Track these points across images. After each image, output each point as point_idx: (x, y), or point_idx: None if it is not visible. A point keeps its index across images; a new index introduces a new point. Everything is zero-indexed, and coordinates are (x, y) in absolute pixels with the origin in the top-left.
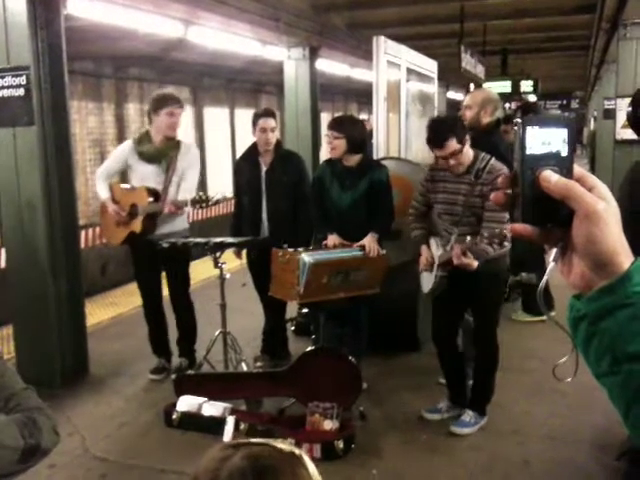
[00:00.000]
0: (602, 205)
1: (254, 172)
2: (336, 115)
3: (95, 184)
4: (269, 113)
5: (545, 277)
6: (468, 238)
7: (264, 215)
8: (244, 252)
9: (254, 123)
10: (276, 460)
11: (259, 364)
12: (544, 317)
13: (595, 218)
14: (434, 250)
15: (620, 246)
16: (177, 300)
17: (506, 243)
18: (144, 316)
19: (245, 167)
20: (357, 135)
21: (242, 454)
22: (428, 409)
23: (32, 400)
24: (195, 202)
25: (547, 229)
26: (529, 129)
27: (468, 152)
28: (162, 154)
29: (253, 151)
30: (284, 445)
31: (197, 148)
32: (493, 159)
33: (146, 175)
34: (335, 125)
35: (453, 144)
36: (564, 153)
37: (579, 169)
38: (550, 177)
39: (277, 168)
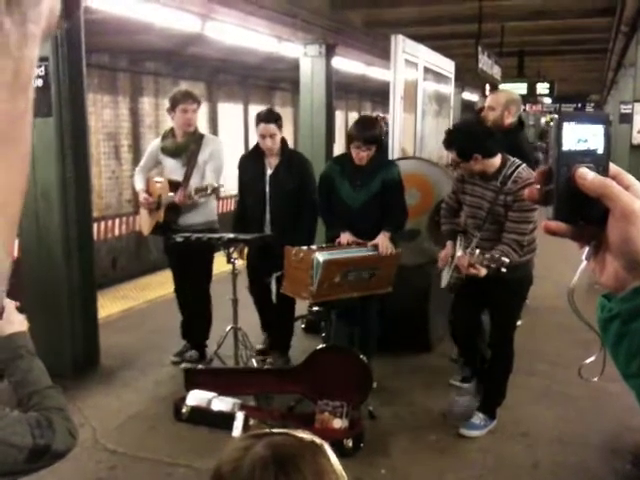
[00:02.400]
0: (639, 204)
1: (258, 172)
2: (360, 121)
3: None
4: (269, 118)
5: (577, 276)
6: (477, 252)
7: (267, 217)
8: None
9: (256, 125)
10: (297, 449)
11: (269, 360)
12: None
13: (632, 218)
14: (457, 248)
15: None
16: (197, 293)
17: (533, 248)
18: (177, 301)
19: (250, 166)
20: (381, 137)
21: (264, 443)
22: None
23: (53, 400)
24: (197, 191)
25: (580, 227)
26: (566, 125)
27: (494, 160)
28: (181, 148)
29: (259, 150)
30: (305, 435)
31: (219, 142)
32: (521, 167)
33: (171, 169)
34: (367, 139)
35: (479, 159)
36: (600, 150)
37: (615, 167)
38: (586, 174)
39: (282, 172)
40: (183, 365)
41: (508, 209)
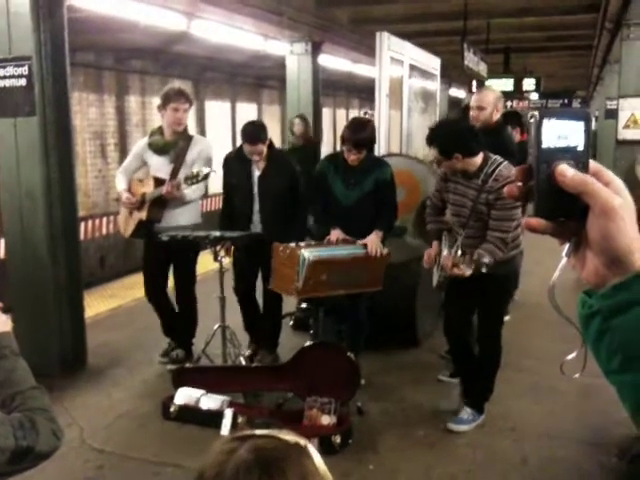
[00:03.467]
0: (619, 201)
1: (246, 172)
2: (352, 124)
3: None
4: (254, 138)
5: (557, 272)
6: (459, 253)
7: (256, 217)
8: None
9: (242, 140)
10: (282, 452)
11: (258, 357)
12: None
13: (612, 214)
14: (443, 247)
15: (636, 243)
16: (181, 294)
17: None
18: (151, 303)
19: (236, 166)
20: (372, 139)
21: (248, 447)
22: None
23: (37, 400)
24: (187, 179)
25: (561, 223)
26: (545, 122)
27: (475, 159)
28: (169, 145)
29: (244, 151)
30: (289, 436)
31: (207, 142)
32: (502, 165)
33: (157, 166)
34: (357, 142)
35: (459, 158)
36: (581, 147)
37: (595, 164)
38: (566, 171)
39: (271, 174)
40: (169, 366)
41: (491, 207)
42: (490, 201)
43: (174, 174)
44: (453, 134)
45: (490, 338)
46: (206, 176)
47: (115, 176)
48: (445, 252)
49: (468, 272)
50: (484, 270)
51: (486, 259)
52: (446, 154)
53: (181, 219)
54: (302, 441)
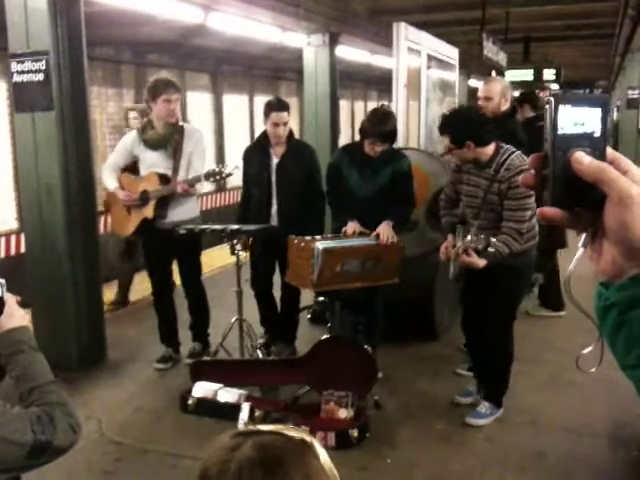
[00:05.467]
0: (636, 190)
1: (264, 163)
2: (374, 116)
3: (102, 178)
4: (282, 106)
5: (573, 263)
6: (469, 237)
7: (274, 208)
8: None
9: (266, 114)
10: (286, 450)
11: (275, 350)
12: (561, 313)
13: (629, 203)
14: (457, 239)
15: None
16: (189, 287)
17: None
18: (153, 305)
19: (255, 157)
20: (396, 130)
21: (252, 443)
22: (461, 393)
23: (55, 395)
24: (209, 175)
25: (577, 213)
26: (561, 108)
27: (487, 149)
28: (166, 139)
29: (264, 141)
30: (295, 433)
31: (200, 131)
32: (514, 154)
33: (154, 162)
34: (383, 134)
35: (471, 147)
36: (597, 134)
37: (612, 151)
38: (583, 159)
39: (289, 161)
40: (187, 360)
41: (503, 197)
42: (502, 191)
43: (176, 168)
44: (466, 122)
45: (501, 332)
46: (228, 175)
47: (101, 175)
48: (459, 244)
49: (482, 263)
50: (491, 250)
51: (494, 239)
52: (458, 142)
53: (182, 213)
54: (308, 438)
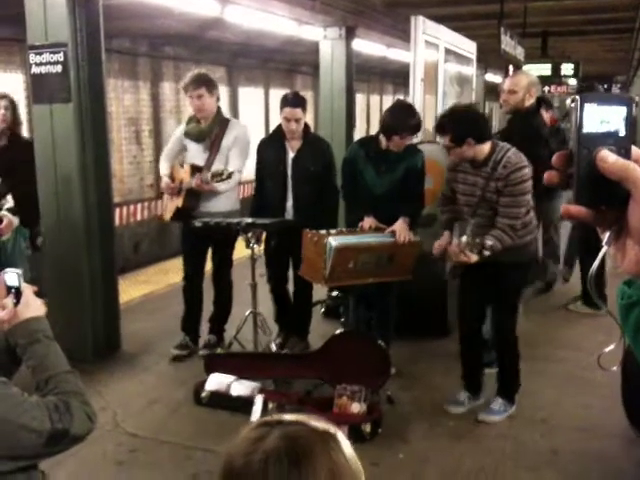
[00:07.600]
0: None
1: (279, 156)
2: (398, 109)
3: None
4: (296, 102)
5: (597, 261)
6: (463, 238)
7: (289, 203)
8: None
9: (280, 108)
10: (311, 441)
11: (289, 344)
12: (602, 311)
13: None
14: (454, 237)
15: None
16: (219, 278)
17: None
18: (182, 291)
19: (270, 150)
20: (421, 123)
21: (277, 434)
22: (451, 402)
23: (71, 384)
24: (213, 176)
25: (601, 211)
26: (587, 106)
27: (485, 146)
28: (205, 133)
29: (280, 133)
30: (319, 423)
31: (244, 127)
32: (511, 152)
33: (194, 154)
34: (414, 127)
35: (471, 144)
36: (622, 132)
37: (638, 150)
38: (608, 157)
39: (305, 155)
40: (201, 352)
41: (500, 195)
42: (499, 188)
43: (209, 162)
44: (467, 119)
45: (504, 328)
46: (229, 175)
47: (151, 162)
48: (455, 241)
49: (474, 259)
50: (487, 254)
51: (490, 241)
52: (459, 140)
53: (219, 205)
54: (332, 429)
